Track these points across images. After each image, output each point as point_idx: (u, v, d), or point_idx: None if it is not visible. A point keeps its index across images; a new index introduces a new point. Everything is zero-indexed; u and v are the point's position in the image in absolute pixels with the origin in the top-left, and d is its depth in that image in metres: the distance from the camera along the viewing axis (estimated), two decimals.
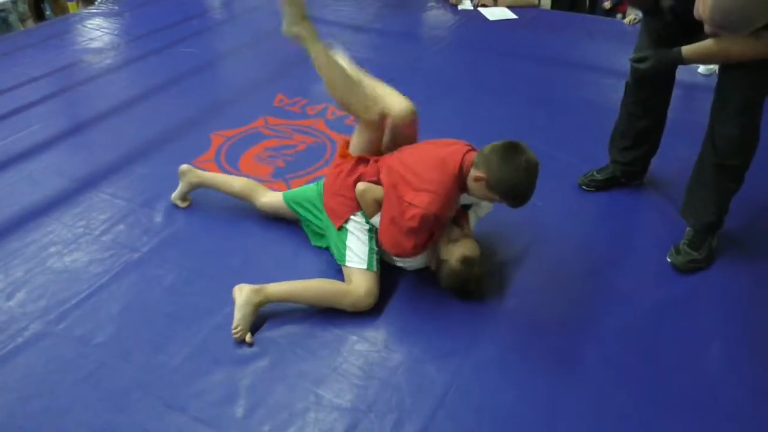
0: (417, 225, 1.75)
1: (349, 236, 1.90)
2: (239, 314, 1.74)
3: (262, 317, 1.81)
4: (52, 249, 2.08)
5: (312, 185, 2.10)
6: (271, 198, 2.15)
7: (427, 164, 1.81)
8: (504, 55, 3.59)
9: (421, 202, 1.74)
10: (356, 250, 1.87)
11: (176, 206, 2.26)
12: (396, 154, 1.92)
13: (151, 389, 1.60)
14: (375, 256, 1.87)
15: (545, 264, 2.04)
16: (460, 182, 1.79)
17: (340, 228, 1.92)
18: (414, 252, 1.83)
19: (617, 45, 3.62)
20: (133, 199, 2.33)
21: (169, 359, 1.69)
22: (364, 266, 1.84)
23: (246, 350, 1.72)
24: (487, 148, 1.76)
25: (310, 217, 2.04)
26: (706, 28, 1.49)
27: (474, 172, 1.75)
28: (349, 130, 2.61)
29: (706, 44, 1.77)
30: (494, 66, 3.47)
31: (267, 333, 1.77)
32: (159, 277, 1.97)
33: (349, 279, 1.86)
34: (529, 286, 1.96)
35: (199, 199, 2.30)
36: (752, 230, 2.20)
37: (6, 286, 1.92)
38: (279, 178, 2.46)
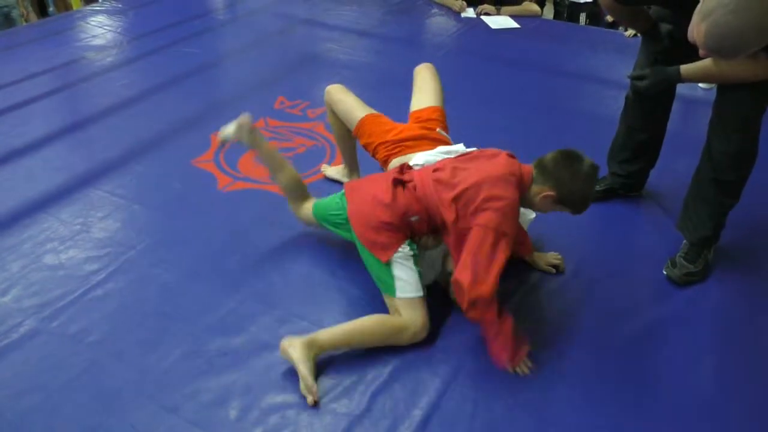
0: (492, 243, 1.61)
1: (396, 266, 1.75)
2: (305, 369, 1.58)
3: (256, 320, 1.81)
4: (49, 245, 2.07)
5: (336, 197, 1.93)
6: (307, 211, 2.02)
7: (490, 180, 1.68)
8: (505, 64, 3.60)
9: (489, 221, 1.63)
10: (407, 278, 1.74)
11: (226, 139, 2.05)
12: (433, 174, 1.77)
13: (144, 389, 1.60)
14: (421, 278, 1.76)
15: (540, 274, 2.04)
16: (520, 196, 1.70)
17: (388, 261, 1.75)
18: (493, 286, 1.60)
19: (618, 57, 3.64)
20: (130, 197, 2.32)
21: (163, 359, 1.68)
22: (420, 294, 1.74)
23: (240, 352, 1.71)
24: (548, 163, 1.71)
25: (341, 232, 1.91)
26: (701, 52, 1.51)
27: (539, 189, 1.70)
28: None
29: (704, 64, 1.79)
30: (495, 74, 3.47)
31: (261, 335, 1.77)
32: (154, 276, 1.96)
33: (396, 310, 1.73)
34: (523, 296, 1.96)
35: (196, 199, 2.30)
36: (748, 243, 2.20)
37: (1, 281, 1.92)
38: None
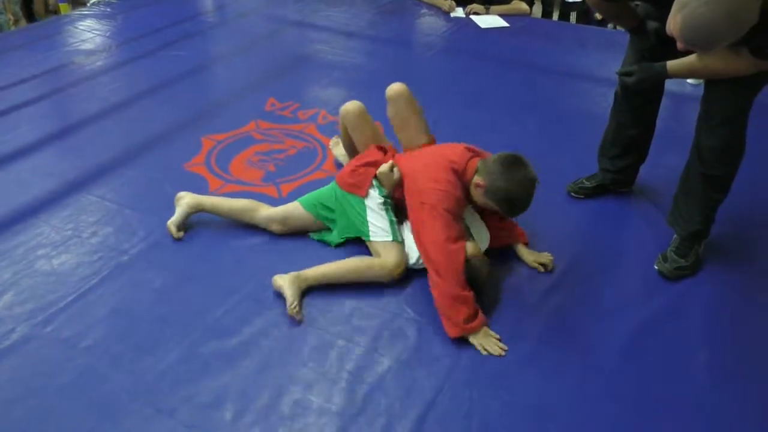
0: (437, 215, 1.83)
1: (368, 212, 1.99)
2: (290, 292, 1.83)
3: (251, 322, 1.81)
4: (40, 251, 2.06)
5: (326, 187, 2.14)
6: (278, 209, 2.14)
7: (434, 166, 1.92)
8: (495, 63, 3.61)
9: (430, 198, 1.85)
10: (378, 223, 1.98)
11: (170, 233, 2.11)
12: (407, 156, 2.07)
13: (140, 393, 1.59)
14: (396, 227, 1.99)
15: (532, 270, 2.04)
16: (462, 184, 1.90)
17: (366, 195, 2.00)
18: (456, 247, 1.80)
19: (608, 54, 3.66)
20: (122, 201, 2.32)
21: (158, 363, 1.68)
22: (390, 238, 1.95)
23: (235, 354, 1.71)
24: (490, 158, 1.89)
25: (325, 213, 2.09)
26: (678, 44, 1.53)
27: (476, 179, 1.88)
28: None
29: (690, 60, 1.81)
30: (486, 73, 3.49)
31: (257, 337, 1.77)
32: (148, 280, 1.96)
33: (377, 252, 1.96)
34: (516, 293, 1.96)
35: None
36: (739, 238, 2.22)
37: None
38: (269, 182, 2.46)
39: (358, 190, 2.02)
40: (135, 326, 1.79)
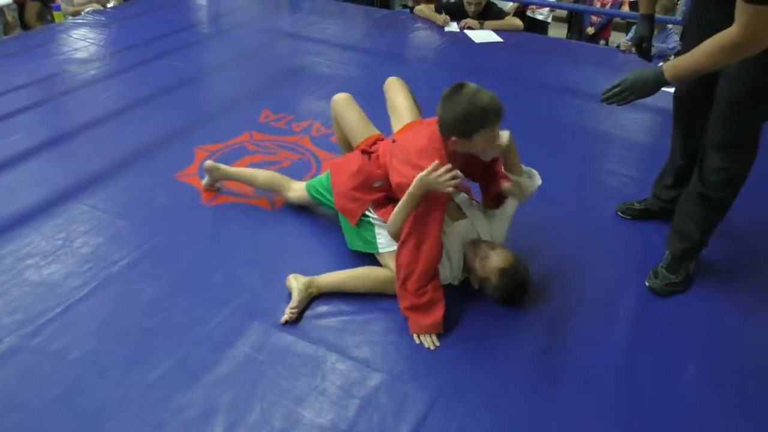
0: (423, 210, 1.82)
1: (378, 226, 1.99)
2: (298, 297, 1.85)
3: (242, 334, 1.80)
4: (30, 261, 2.04)
5: (323, 176, 2.20)
6: (297, 193, 2.28)
7: (415, 148, 1.87)
8: (488, 78, 3.61)
9: (408, 175, 1.80)
10: (386, 235, 1.95)
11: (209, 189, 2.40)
12: (391, 144, 1.99)
13: (128, 406, 1.57)
14: None
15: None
16: (449, 155, 1.83)
17: (357, 224, 2.02)
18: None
19: (600, 71, 3.69)
20: (113, 211, 2.30)
21: (147, 375, 1.66)
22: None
23: (226, 367, 1.70)
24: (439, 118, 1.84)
25: (330, 204, 2.15)
26: None
27: (450, 141, 1.82)
28: (334, 148, 2.63)
29: (687, 55, 1.65)
30: None
31: (247, 350, 1.76)
32: (138, 291, 1.94)
33: (387, 265, 1.95)
34: (507, 311, 1.96)
35: (181, 214, 2.29)
36: (731, 254, 2.23)
37: None
38: (263, 194, 2.45)
39: (351, 218, 2.03)
40: (124, 338, 1.77)
